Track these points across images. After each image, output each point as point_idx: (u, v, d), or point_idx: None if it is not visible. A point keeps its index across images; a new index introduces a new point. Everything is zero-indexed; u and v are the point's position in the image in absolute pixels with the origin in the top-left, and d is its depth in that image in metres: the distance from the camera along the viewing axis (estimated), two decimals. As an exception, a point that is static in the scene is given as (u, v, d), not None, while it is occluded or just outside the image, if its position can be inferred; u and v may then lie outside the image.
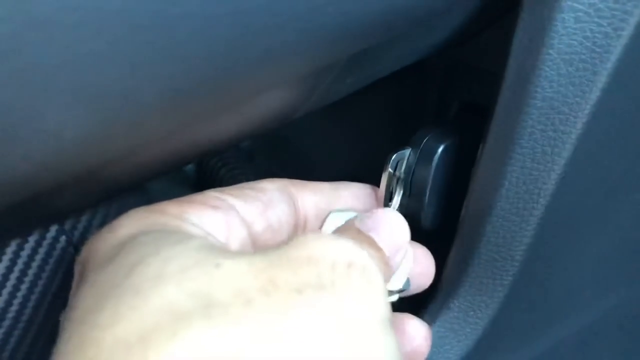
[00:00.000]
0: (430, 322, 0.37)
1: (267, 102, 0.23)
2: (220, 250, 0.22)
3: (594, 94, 0.29)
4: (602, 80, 0.29)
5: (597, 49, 0.28)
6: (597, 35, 0.28)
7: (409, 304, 0.32)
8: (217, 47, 0.14)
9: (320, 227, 0.30)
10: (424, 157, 0.34)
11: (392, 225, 0.27)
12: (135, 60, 0.13)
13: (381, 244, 0.26)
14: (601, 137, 0.32)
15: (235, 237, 0.25)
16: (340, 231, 0.27)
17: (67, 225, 0.26)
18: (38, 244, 0.25)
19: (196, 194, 0.26)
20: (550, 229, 0.34)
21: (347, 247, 0.22)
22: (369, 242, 0.26)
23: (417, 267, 0.30)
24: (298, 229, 0.29)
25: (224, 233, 0.25)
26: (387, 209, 0.29)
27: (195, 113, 0.18)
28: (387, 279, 0.27)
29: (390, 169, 0.32)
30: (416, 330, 0.29)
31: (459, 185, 0.36)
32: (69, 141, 0.14)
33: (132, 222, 0.23)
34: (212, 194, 0.26)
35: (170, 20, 0.13)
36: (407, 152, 0.34)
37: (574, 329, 0.44)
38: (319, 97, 0.27)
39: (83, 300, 0.20)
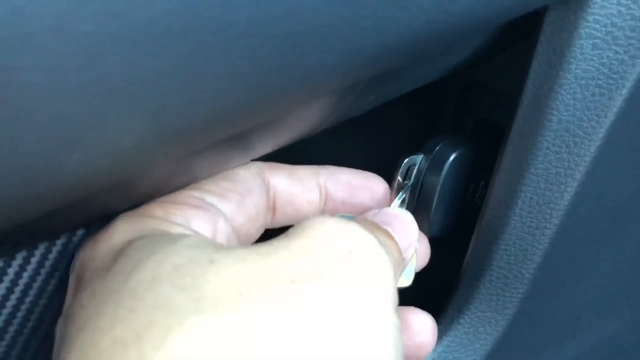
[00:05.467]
0: (440, 336, 0.37)
1: (296, 119, 0.24)
2: (214, 246, 0.21)
3: (609, 119, 0.30)
4: (617, 105, 0.29)
5: (614, 75, 0.29)
6: (613, 62, 0.28)
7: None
8: (267, 67, 0.15)
9: None
10: (436, 163, 0.33)
11: (403, 221, 0.27)
12: (193, 77, 0.14)
13: (395, 237, 0.26)
14: (614, 160, 0.32)
15: (221, 233, 0.25)
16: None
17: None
18: (48, 249, 0.25)
19: (176, 193, 0.25)
20: (561, 248, 0.35)
21: (351, 232, 0.22)
22: (384, 233, 0.26)
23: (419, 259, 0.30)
24: (269, 212, 0.28)
25: (210, 230, 0.25)
26: (397, 207, 0.30)
27: (235, 129, 0.18)
28: (400, 272, 0.27)
29: (399, 177, 0.32)
30: (423, 324, 0.28)
31: (467, 197, 0.36)
32: (124, 149, 0.15)
33: (125, 228, 0.23)
34: (191, 194, 0.25)
35: (230, 40, 0.14)
36: (419, 157, 0.34)
37: (580, 350, 0.45)
38: (341, 113, 0.27)
39: (83, 308, 0.21)
